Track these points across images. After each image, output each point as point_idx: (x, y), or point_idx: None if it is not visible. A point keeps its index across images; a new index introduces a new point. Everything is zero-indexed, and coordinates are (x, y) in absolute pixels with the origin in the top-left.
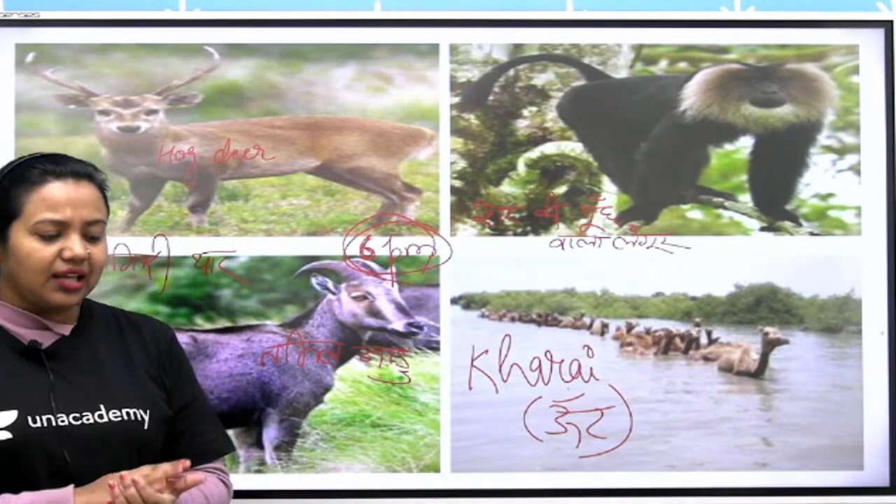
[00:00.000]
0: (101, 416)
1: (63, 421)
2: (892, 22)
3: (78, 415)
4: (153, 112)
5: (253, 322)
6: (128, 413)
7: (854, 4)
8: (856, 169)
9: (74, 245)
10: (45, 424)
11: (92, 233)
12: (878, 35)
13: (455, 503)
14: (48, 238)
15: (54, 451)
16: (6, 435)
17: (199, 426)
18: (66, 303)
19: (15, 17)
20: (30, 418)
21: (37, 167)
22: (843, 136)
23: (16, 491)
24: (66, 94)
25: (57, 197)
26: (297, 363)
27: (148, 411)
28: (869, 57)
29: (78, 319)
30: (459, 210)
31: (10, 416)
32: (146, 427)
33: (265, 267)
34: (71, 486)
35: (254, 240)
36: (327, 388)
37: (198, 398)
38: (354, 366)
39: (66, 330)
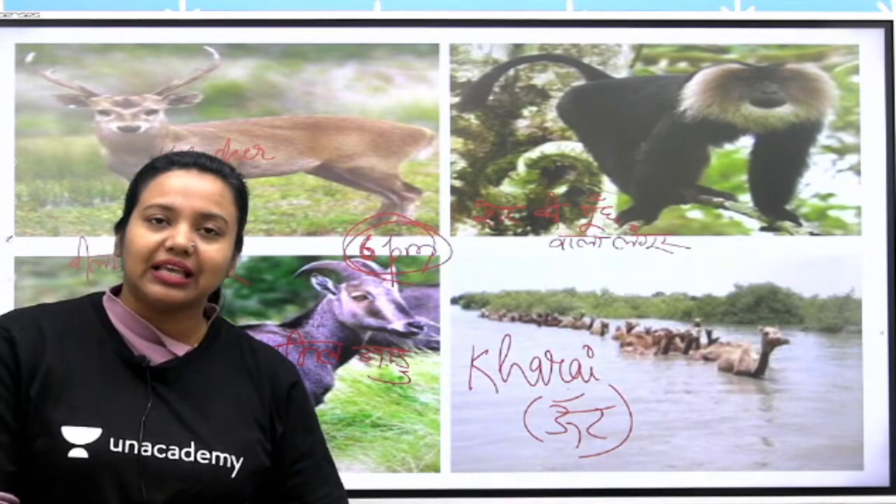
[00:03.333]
0: (188, 455)
1: (146, 451)
2: (892, 22)
3: (164, 447)
4: (153, 112)
5: (253, 322)
6: (217, 457)
7: (854, 4)
8: (856, 169)
9: (178, 234)
10: (127, 450)
11: (207, 227)
12: (878, 35)
13: (455, 503)
14: (155, 224)
15: (130, 481)
16: (82, 454)
17: (311, 483)
18: (163, 298)
19: (15, 17)
20: (112, 440)
21: (167, 157)
22: (843, 136)
23: None
24: (66, 94)
25: (171, 183)
26: (297, 363)
27: (241, 459)
28: (869, 57)
29: (202, 341)
30: (459, 210)
31: (92, 434)
32: (233, 476)
33: (265, 267)
34: None
35: (254, 240)
36: (327, 388)
37: (315, 451)
38: (354, 366)
39: (182, 350)
